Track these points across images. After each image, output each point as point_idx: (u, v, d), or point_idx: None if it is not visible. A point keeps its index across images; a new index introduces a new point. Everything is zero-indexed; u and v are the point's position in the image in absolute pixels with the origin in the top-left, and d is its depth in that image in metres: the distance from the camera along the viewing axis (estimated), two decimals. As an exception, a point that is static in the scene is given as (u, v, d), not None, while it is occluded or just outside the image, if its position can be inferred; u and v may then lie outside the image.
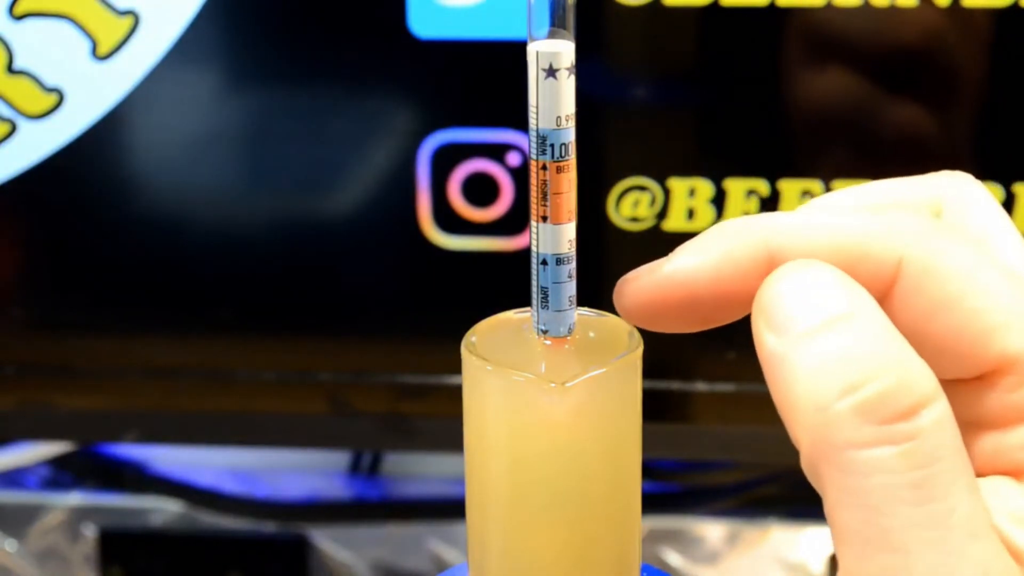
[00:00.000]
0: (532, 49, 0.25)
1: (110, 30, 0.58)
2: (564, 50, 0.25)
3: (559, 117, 0.26)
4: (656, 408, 0.61)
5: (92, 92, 0.59)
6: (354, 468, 0.77)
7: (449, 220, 0.59)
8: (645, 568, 0.28)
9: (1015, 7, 0.55)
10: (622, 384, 0.27)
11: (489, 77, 0.58)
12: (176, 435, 0.67)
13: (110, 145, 0.60)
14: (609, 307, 0.27)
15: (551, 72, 0.25)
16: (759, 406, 0.59)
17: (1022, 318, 0.24)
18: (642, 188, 0.58)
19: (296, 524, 0.76)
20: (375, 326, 0.63)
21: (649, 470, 0.73)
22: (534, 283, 0.27)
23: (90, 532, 0.76)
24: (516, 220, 0.59)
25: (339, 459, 0.77)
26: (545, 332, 0.27)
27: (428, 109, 0.59)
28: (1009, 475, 0.25)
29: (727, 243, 0.25)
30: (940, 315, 0.24)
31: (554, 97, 0.25)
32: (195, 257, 0.62)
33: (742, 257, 0.25)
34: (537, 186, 0.26)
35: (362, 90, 0.59)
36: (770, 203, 0.58)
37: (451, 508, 0.75)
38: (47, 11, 0.58)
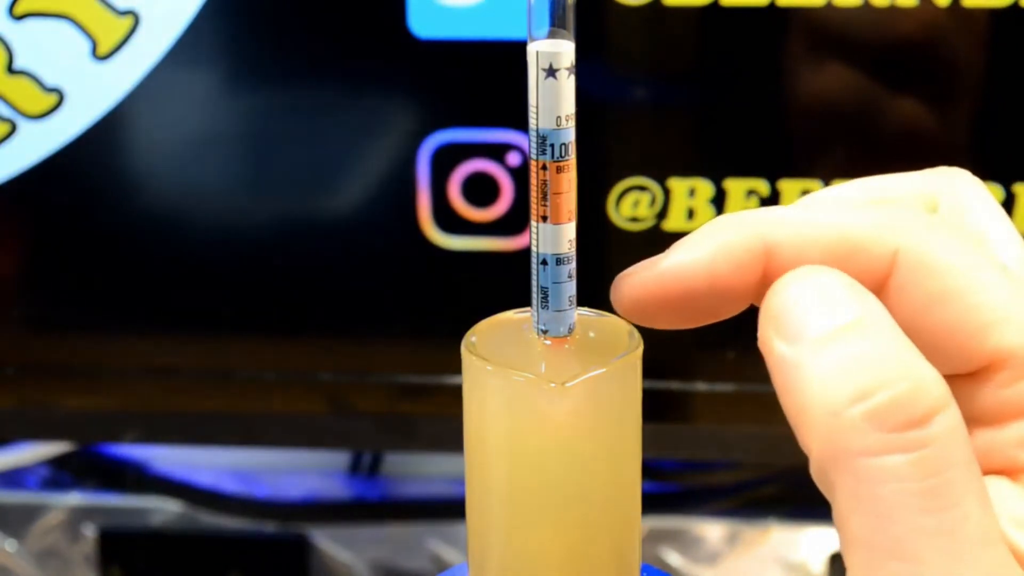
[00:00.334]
0: (532, 49, 0.25)
1: (110, 30, 0.58)
2: (564, 50, 0.25)
3: (559, 117, 0.26)
4: (656, 408, 0.61)
5: (92, 92, 0.59)
6: (354, 468, 0.77)
7: (449, 220, 0.59)
8: (645, 568, 0.28)
9: (1015, 7, 0.55)
10: (622, 384, 0.27)
11: (489, 77, 0.58)
12: (176, 435, 0.67)
13: (110, 145, 0.60)
14: (609, 307, 0.27)
15: (551, 72, 0.25)
16: (759, 406, 0.59)
17: (1017, 313, 0.24)
18: (642, 188, 0.58)
19: (296, 524, 0.76)
20: (375, 326, 0.63)
21: (649, 470, 0.73)
22: (534, 283, 0.27)
23: (90, 532, 0.76)
24: (516, 220, 0.59)
25: (339, 459, 0.77)
26: (545, 332, 0.27)
27: (428, 109, 0.59)
28: (1004, 474, 0.25)
29: (722, 238, 0.25)
30: (935, 310, 0.24)
31: (554, 97, 0.25)
32: (195, 257, 0.62)
33: (737, 252, 0.25)
34: (537, 186, 0.26)
35: (362, 90, 0.59)
36: (770, 203, 0.58)
37: (451, 508, 0.75)
38: (47, 11, 0.57)
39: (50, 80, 0.58)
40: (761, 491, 0.73)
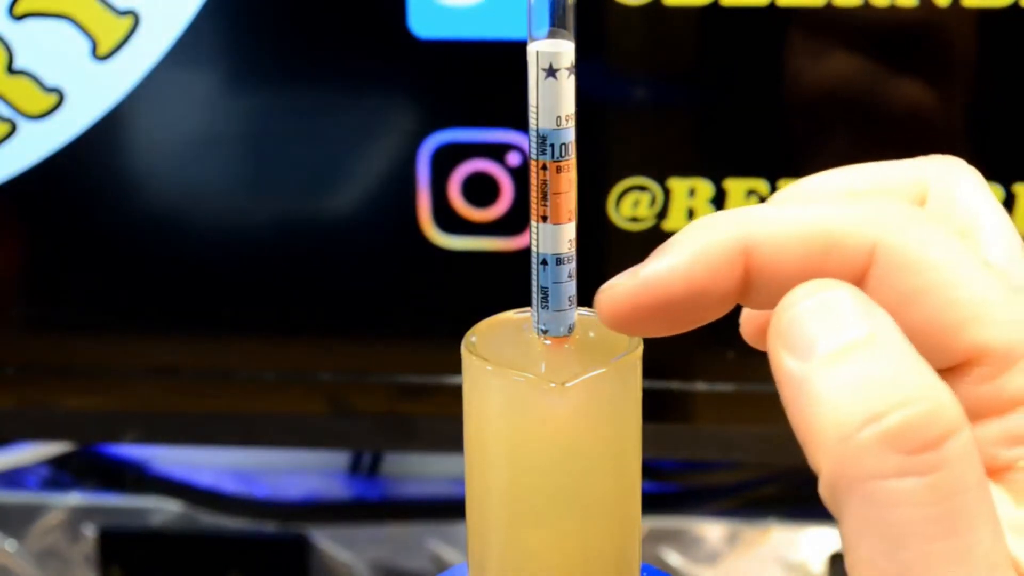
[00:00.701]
0: (532, 49, 0.25)
1: (110, 30, 0.58)
2: (564, 50, 0.25)
3: (559, 117, 0.26)
4: (656, 408, 0.61)
5: (92, 92, 0.59)
6: (354, 468, 0.77)
7: (449, 220, 0.59)
8: (645, 568, 0.28)
9: (1015, 7, 0.55)
10: (622, 384, 0.27)
11: (489, 77, 0.58)
12: (176, 435, 0.67)
13: (110, 145, 0.60)
14: (609, 307, 0.27)
15: (551, 72, 0.25)
16: (759, 406, 0.59)
17: (995, 309, 0.24)
18: (642, 188, 0.58)
19: (296, 524, 0.76)
20: (375, 326, 0.63)
21: (649, 470, 0.73)
22: (534, 283, 0.27)
23: (90, 532, 0.76)
24: (516, 220, 0.59)
25: (339, 459, 0.77)
26: (545, 332, 0.27)
27: (428, 109, 0.59)
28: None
29: (698, 243, 0.25)
30: (913, 305, 0.24)
31: (554, 97, 0.25)
32: (195, 257, 0.62)
33: (714, 256, 0.25)
34: (537, 186, 0.26)
35: (362, 90, 0.59)
36: (770, 203, 0.58)
37: (451, 508, 0.75)
38: (47, 11, 0.57)
39: (50, 80, 0.58)
40: (761, 491, 0.73)
